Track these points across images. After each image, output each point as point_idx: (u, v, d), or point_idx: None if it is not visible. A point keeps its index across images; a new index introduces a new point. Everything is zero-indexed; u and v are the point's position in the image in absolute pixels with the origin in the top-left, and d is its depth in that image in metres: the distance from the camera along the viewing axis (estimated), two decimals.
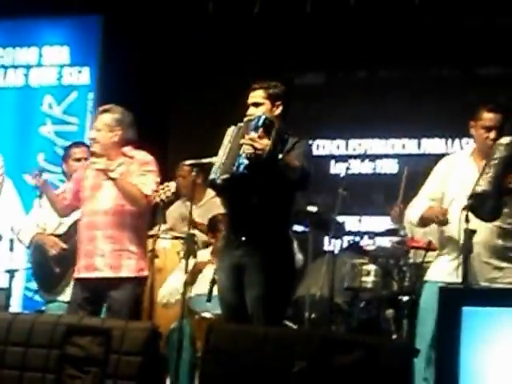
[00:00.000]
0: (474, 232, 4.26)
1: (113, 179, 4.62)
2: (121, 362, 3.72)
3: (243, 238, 4.33)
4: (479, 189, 4.25)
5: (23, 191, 5.66)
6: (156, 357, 3.90)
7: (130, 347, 3.74)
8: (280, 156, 4.19)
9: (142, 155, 4.83)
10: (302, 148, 4.37)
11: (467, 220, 4.25)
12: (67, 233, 5.42)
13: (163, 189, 4.87)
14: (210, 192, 5.98)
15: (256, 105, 4.40)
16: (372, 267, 6.06)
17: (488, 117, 4.47)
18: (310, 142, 7.69)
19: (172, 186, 4.82)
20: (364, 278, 6.04)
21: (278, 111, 4.42)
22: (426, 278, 4.72)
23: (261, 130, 4.19)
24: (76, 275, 4.82)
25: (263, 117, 4.26)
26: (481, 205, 4.25)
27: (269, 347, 3.63)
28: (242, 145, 4.18)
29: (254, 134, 4.17)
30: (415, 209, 4.62)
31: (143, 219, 4.83)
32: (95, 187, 4.80)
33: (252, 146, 4.12)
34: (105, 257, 4.71)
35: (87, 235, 4.76)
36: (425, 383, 4.36)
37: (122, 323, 3.87)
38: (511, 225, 4.46)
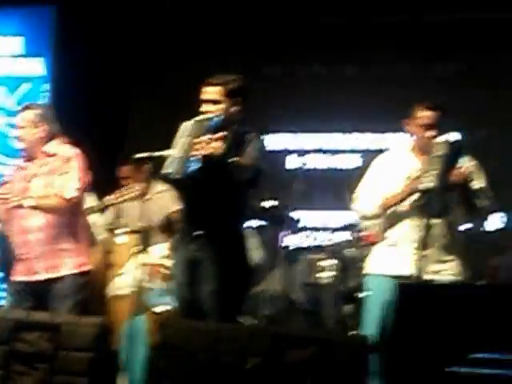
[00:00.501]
0: (430, 227, 4.30)
1: (32, 207, 4.59)
2: (70, 357, 3.67)
3: (197, 233, 4.28)
4: (429, 185, 4.26)
5: None
6: (107, 352, 3.85)
7: (79, 343, 3.69)
8: (234, 158, 4.12)
9: (65, 150, 4.75)
10: (255, 145, 4.30)
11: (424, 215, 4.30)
12: None
13: (128, 190, 4.82)
14: (156, 186, 5.92)
15: (213, 102, 4.26)
16: (329, 263, 6.04)
17: (425, 115, 4.50)
18: (271, 135, 7.72)
19: (138, 187, 4.76)
20: (321, 274, 6.02)
21: (236, 108, 4.31)
22: (367, 271, 4.68)
23: (216, 131, 4.12)
24: (15, 278, 4.72)
25: (220, 118, 4.18)
26: (429, 201, 4.30)
27: (222, 344, 3.60)
28: (196, 144, 4.09)
29: (208, 136, 4.09)
30: (367, 201, 4.59)
31: (75, 214, 4.74)
32: (23, 191, 4.71)
33: (204, 148, 4.05)
34: (42, 259, 4.63)
35: (21, 240, 4.67)
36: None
37: (71, 318, 3.83)
38: (455, 219, 4.50)
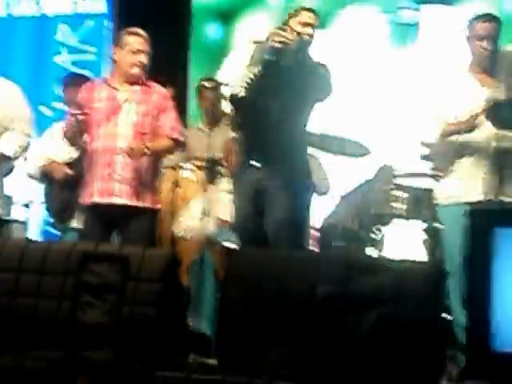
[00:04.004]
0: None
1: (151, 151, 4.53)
2: (139, 289, 3.63)
3: (261, 161, 4.19)
4: (496, 98, 4.15)
5: (39, 121, 5.50)
6: (175, 284, 3.81)
7: (148, 274, 3.65)
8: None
9: (160, 87, 4.71)
10: (324, 70, 4.28)
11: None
12: (74, 160, 5.27)
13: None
14: (226, 115, 5.81)
15: (312, 26, 4.34)
16: (402, 194, 5.90)
17: (482, 26, 4.35)
18: None
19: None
20: (394, 205, 5.88)
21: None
22: (439, 202, 4.55)
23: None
24: (90, 200, 4.61)
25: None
26: (501, 115, 4.15)
27: (291, 271, 3.54)
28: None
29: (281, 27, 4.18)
30: (429, 128, 4.49)
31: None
32: (112, 110, 4.60)
33: (280, 36, 4.08)
34: (123, 184, 4.54)
35: (104, 159, 4.56)
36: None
37: (140, 250, 3.78)
38: None
